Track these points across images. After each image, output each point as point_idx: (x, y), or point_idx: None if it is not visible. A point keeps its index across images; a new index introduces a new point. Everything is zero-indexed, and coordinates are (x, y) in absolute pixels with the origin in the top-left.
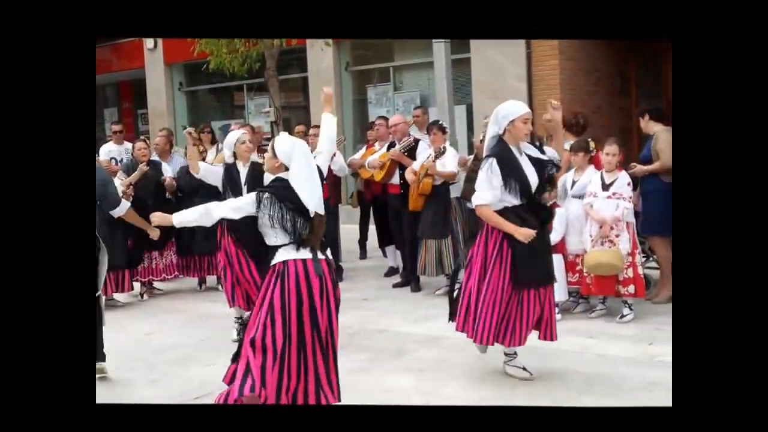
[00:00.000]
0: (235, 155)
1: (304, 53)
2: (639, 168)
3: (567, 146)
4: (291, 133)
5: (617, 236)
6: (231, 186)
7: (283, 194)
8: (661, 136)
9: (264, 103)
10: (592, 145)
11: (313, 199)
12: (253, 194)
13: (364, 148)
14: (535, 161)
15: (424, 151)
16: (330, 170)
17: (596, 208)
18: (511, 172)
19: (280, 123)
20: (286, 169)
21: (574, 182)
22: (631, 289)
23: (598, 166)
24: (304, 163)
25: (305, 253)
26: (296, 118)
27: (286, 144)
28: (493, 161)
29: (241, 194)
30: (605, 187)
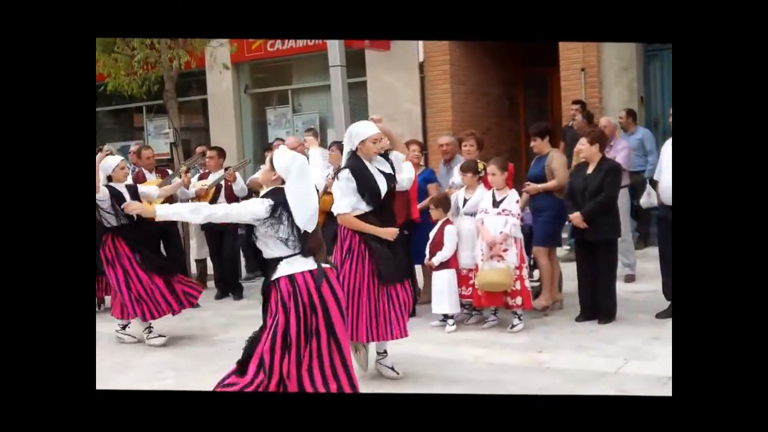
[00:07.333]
0: (110, 178)
1: (203, 76)
2: (533, 186)
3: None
4: (192, 153)
5: (505, 251)
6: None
7: (287, 206)
8: (555, 156)
9: (163, 125)
10: (481, 165)
11: (304, 215)
12: (267, 201)
13: None
14: (384, 174)
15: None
16: (230, 190)
17: (487, 224)
18: (363, 181)
19: (179, 144)
20: (283, 182)
21: (466, 200)
22: (519, 300)
23: (488, 185)
24: (302, 178)
25: (311, 264)
26: (196, 139)
27: (285, 158)
28: (349, 172)
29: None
30: (495, 204)
